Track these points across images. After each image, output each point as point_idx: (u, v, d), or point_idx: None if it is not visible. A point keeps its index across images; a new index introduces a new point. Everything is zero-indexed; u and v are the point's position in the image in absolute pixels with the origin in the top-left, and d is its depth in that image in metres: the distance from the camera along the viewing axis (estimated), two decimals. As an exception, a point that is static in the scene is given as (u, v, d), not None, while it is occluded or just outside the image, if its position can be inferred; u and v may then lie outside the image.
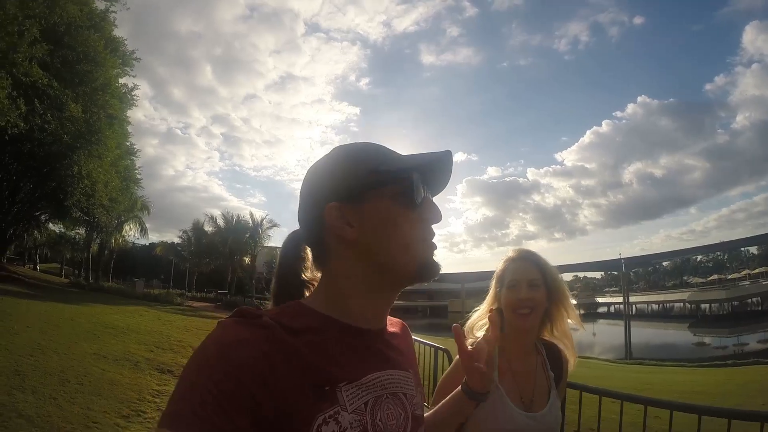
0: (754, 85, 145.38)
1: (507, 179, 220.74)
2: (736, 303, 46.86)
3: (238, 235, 38.74)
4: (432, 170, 0.78)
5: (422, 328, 26.72)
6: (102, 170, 20.04)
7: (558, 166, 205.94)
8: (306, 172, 0.81)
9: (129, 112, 22.42)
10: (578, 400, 2.71)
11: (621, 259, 53.74)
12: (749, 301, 47.63)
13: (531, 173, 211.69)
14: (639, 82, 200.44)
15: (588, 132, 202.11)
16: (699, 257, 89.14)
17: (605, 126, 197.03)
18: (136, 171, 28.37)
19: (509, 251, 1.62)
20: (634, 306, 58.67)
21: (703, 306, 49.35)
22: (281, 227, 41.22)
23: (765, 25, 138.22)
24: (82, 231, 30.54)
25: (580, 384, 2.62)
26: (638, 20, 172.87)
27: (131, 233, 35.90)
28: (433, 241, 0.77)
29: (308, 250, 0.84)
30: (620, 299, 55.53)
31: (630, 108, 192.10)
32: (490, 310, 1.45)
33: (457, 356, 1.10)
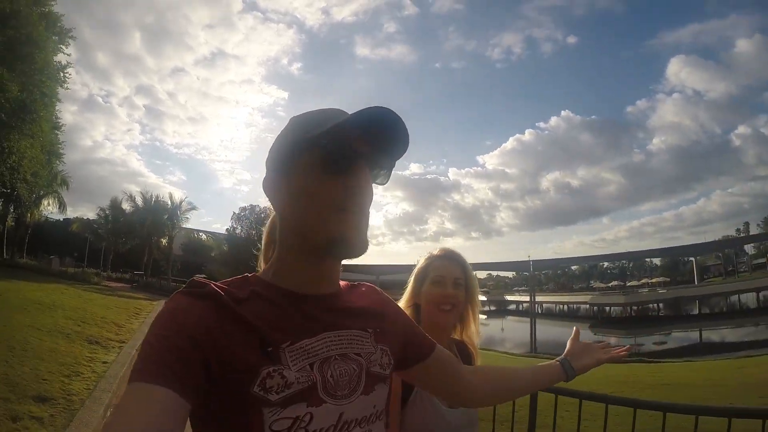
0: (673, 112, 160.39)
1: (429, 176, 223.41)
2: (636, 308, 50.14)
3: (157, 216, 38.60)
4: (372, 130, 0.72)
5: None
6: (32, 147, 19.94)
7: (479, 168, 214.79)
8: None
9: (59, 89, 22.05)
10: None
11: (530, 260, 58.17)
12: (651, 306, 51.18)
13: (452, 173, 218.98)
14: (565, 97, 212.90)
15: (511, 138, 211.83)
16: (606, 264, 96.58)
17: (528, 134, 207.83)
18: (59, 146, 27.69)
19: (435, 249, 1.62)
20: (542, 305, 62.65)
21: (609, 309, 52.04)
22: (200, 209, 40.98)
23: (690, 59, 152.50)
24: (-1, 205, 29.24)
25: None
26: (571, 39, 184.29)
27: (49, 208, 34.57)
28: (357, 212, 0.73)
29: None
30: (528, 298, 59.73)
31: (553, 120, 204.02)
32: (413, 305, 1.54)
33: None
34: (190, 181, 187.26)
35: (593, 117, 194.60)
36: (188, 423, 0.62)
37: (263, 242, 0.91)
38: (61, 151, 28.17)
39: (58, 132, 26.84)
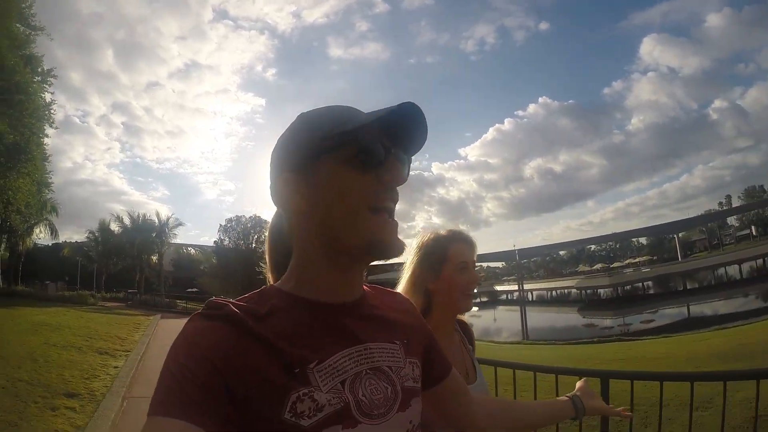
0: (650, 91, 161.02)
1: (412, 173, 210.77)
2: (625, 288, 51.03)
3: (145, 235, 39.86)
4: (395, 126, 0.71)
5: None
6: (28, 184, 21.02)
7: (462, 161, 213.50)
8: None
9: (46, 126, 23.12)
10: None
11: (515, 250, 59.59)
12: (639, 285, 51.85)
13: (436, 167, 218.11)
14: (541, 84, 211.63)
15: (491, 129, 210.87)
16: (593, 247, 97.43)
17: (507, 124, 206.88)
18: (47, 175, 28.49)
19: (441, 230, 1.49)
20: (533, 293, 63.50)
21: (599, 291, 52.51)
22: (186, 224, 42.07)
23: (662, 37, 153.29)
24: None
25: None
26: (543, 26, 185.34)
27: (42, 236, 35.25)
28: (393, 210, 0.72)
29: None
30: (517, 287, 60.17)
31: (531, 108, 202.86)
32: (424, 290, 1.40)
33: None
34: (174, 196, 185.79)
35: (570, 101, 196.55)
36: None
37: (267, 250, 0.87)
38: (49, 180, 28.95)
39: (47, 162, 27.65)
